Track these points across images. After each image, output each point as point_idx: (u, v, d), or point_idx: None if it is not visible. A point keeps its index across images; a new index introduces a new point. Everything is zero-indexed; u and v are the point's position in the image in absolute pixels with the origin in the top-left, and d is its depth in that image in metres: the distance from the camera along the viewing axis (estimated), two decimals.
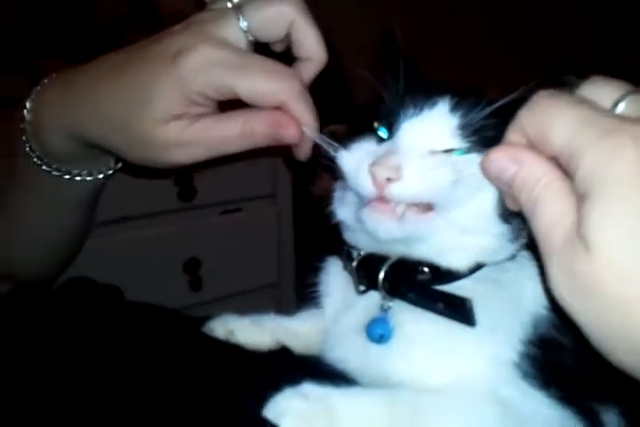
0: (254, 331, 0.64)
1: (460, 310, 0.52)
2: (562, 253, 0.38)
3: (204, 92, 0.58)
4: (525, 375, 0.52)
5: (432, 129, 0.53)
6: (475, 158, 0.51)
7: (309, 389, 0.50)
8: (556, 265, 0.39)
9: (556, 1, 2.53)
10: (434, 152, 0.52)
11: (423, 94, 0.55)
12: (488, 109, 0.50)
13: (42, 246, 0.80)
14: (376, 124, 0.56)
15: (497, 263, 0.55)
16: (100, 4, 1.32)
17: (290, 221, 1.58)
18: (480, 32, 2.37)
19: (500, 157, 0.43)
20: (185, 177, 1.37)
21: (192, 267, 1.42)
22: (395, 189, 0.49)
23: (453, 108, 0.54)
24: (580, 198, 0.38)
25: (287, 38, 0.64)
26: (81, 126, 0.65)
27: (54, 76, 0.69)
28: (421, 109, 0.54)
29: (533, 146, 0.42)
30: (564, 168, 0.40)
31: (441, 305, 0.53)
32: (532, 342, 0.52)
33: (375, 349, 0.55)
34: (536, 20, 2.52)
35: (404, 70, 0.58)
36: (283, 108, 0.60)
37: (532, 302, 0.54)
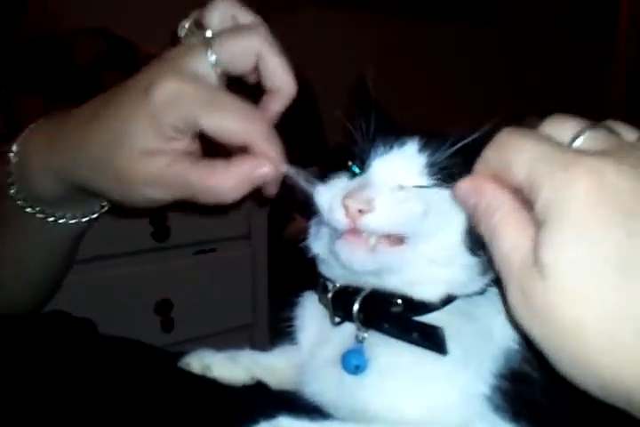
0: (230, 366, 0.64)
1: (432, 339, 0.53)
2: (519, 279, 0.39)
3: (176, 126, 0.59)
4: (497, 409, 0.52)
5: (401, 166, 0.55)
6: (442, 193, 0.53)
7: (285, 422, 0.50)
8: (514, 291, 0.40)
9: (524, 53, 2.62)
10: (403, 187, 0.53)
11: (393, 136, 0.57)
12: (453, 148, 0.52)
13: (21, 284, 0.79)
14: (349, 163, 0.58)
15: (468, 297, 0.56)
16: (78, 45, 1.34)
17: (264, 261, 1.58)
18: (453, 79, 2.44)
19: (465, 187, 0.45)
20: (159, 217, 1.37)
21: (164, 308, 1.41)
22: (367, 220, 0.50)
23: (421, 148, 0.56)
24: (538, 227, 0.39)
25: (257, 70, 0.65)
26: (66, 168, 0.65)
27: (41, 120, 0.70)
28: (391, 148, 0.56)
29: (499, 178, 0.43)
30: (527, 200, 0.41)
31: (415, 334, 0.53)
32: (503, 375, 0.53)
33: (350, 381, 0.55)
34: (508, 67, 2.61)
35: (376, 115, 0.60)
36: (249, 147, 0.60)
37: (503, 335, 0.54)
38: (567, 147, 0.41)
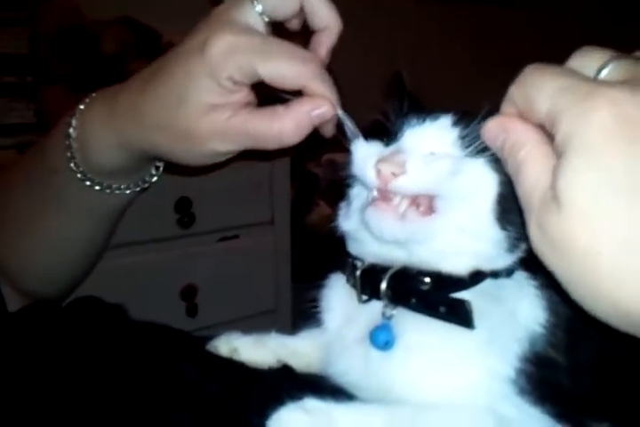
0: (257, 349, 0.65)
1: (459, 313, 0.53)
2: (538, 211, 0.41)
3: (232, 77, 0.61)
4: (521, 392, 0.52)
5: (434, 136, 0.56)
6: (473, 162, 0.54)
7: (311, 403, 0.51)
8: (534, 223, 0.41)
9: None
10: (435, 154, 0.55)
11: (427, 112, 0.59)
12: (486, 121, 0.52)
13: (66, 262, 0.82)
14: (384, 138, 0.59)
15: (495, 278, 0.57)
16: (103, 35, 1.35)
17: (287, 248, 1.59)
18: (484, 61, 2.42)
19: (492, 127, 0.47)
20: (184, 204, 1.38)
21: (189, 294, 1.43)
22: (399, 182, 0.52)
23: (455, 122, 0.57)
24: (558, 159, 0.40)
25: (300, 14, 0.67)
26: (129, 133, 0.68)
27: (94, 95, 0.72)
28: (424, 121, 0.57)
29: (524, 115, 0.44)
30: (550, 134, 0.42)
31: (442, 309, 0.54)
32: (529, 358, 0.53)
33: (376, 358, 0.56)
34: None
35: (409, 100, 0.62)
36: (304, 90, 0.63)
37: (529, 319, 0.55)
38: (591, 79, 0.41)
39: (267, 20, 0.64)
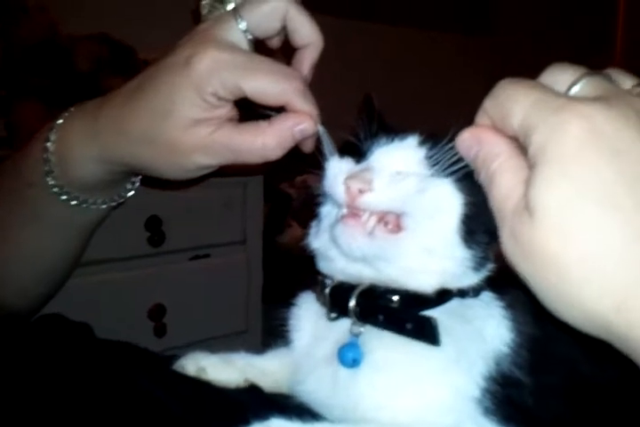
0: (225, 368, 0.65)
1: (425, 330, 0.54)
2: (511, 220, 0.42)
3: (217, 93, 0.62)
4: (486, 411, 0.53)
5: (401, 155, 0.57)
6: (439, 182, 0.55)
7: (276, 422, 0.51)
8: (507, 232, 0.43)
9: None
10: (402, 173, 0.55)
11: (395, 132, 0.60)
12: (452, 143, 0.54)
13: (38, 275, 0.81)
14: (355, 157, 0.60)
15: (462, 298, 0.57)
16: (78, 50, 1.34)
17: (259, 268, 1.59)
18: (446, 87, 2.46)
19: (466, 138, 0.48)
20: (154, 223, 1.37)
21: (157, 313, 1.41)
22: (365, 198, 0.53)
23: (421, 142, 0.58)
24: (531, 171, 0.41)
25: (282, 32, 0.69)
26: (111, 146, 0.68)
27: (72, 109, 0.73)
28: (393, 140, 0.59)
29: (497, 127, 0.46)
30: (523, 146, 0.43)
31: (409, 325, 0.54)
32: (494, 378, 0.54)
33: (344, 376, 0.56)
34: None
35: (378, 121, 0.64)
36: (287, 106, 0.64)
37: (495, 339, 0.56)
38: (563, 94, 0.43)
39: (250, 37, 0.66)
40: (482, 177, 0.46)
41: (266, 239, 1.61)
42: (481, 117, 0.47)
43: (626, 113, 0.39)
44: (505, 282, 0.58)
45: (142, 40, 1.39)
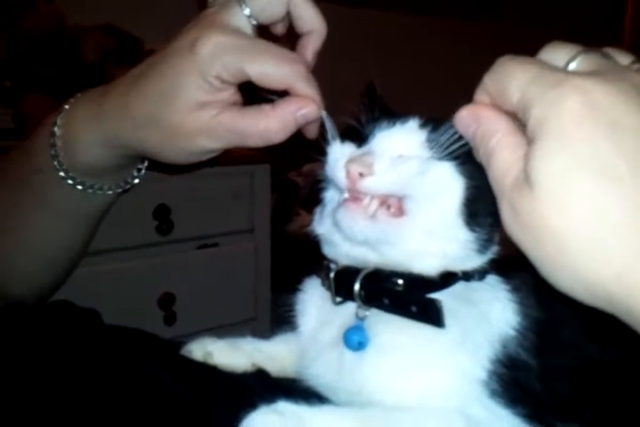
0: (231, 353, 0.65)
1: (430, 312, 0.54)
2: (510, 194, 0.43)
3: (220, 76, 0.63)
4: (493, 394, 0.53)
5: (402, 139, 0.58)
6: (440, 165, 0.55)
7: (284, 406, 0.51)
8: (506, 206, 0.44)
9: None
10: (403, 156, 0.56)
11: (396, 116, 0.61)
12: (453, 125, 0.54)
13: (45, 264, 0.82)
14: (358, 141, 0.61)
15: (467, 281, 0.57)
16: (84, 41, 1.35)
17: (267, 256, 1.59)
18: (453, 74, 2.45)
19: (464, 115, 0.49)
20: (163, 211, 1.38)
21: (166, 302, 1.42)
22: (366, 182, 0.53)
23: (422, 125, 0.59)
24: (530, 145, 0.42)
25: (285, 19, 0.70)
26: (116, 130, 0.69)
27: (79, 95, 0.74)
28: (394, 124, 0.59)
29: (496, 104, 0.47)
30: (522, 122, 0.44)
31: (414, 308, 0.55)
32: (500, 360, 0.54)
33: (350, 359, 0.56)
34: None
35: (380, 106, 0.64)
36: (290, 90, 0.65)
37: (501, 321, 0.56)
38: (561, 69, 0.44)
39: (254, 22, 0.66)
40: (480, 154, 0.47)
41: (274, 228, 1.61)
42: (480, 94, 0.48)
43: (622, 87, 0.40)
44: (513, 267, 0.59)
45: (148, 31, 1.39)
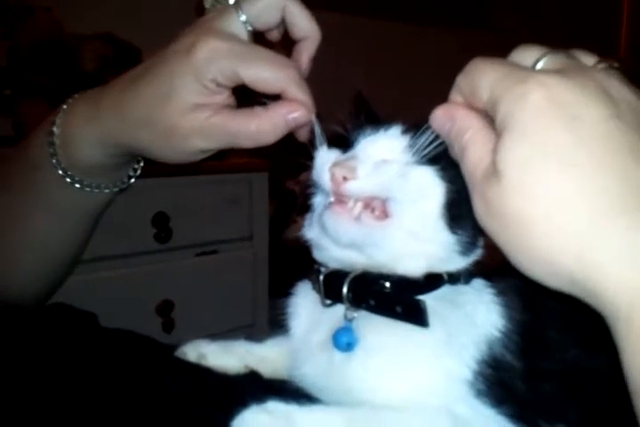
0: (224, 355, 0.66)
1: (414, 312, 0.55)
2: (481, 185, 0.45)
3: (215, 80, 0.64)
4: (479, 394, 0.53)
5: (385, 144, 0.59)
6: (422, 169, 0.56)
7: (274, 405, 0.52)
8: (477, 197, 0.46)
9: None
10: (386, 161, 0.57)
11: (380, 123, 0.62)
12: (434, 132, 0.55)
13: (45, 263, 0.83)
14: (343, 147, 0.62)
15: (454, 284, 0.58)
16: (83, 50, 1.36)
17: (265, 263, 1.60)
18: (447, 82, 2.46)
19: (439, 114, 0.51)
20: (161, 219, 1.39)
21: (165, 309, 1.43)
22: (349, 185, 0.55)
23: (405, 131, 0.60)
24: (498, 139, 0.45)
25: (280, 26, 0.71)
26: (113, 130, 0.70)
27: (77, 95, 0.75)
28: (378, 131, 0.61)
29: (469, 102, 0.49)
30: (492, 119, 0.46)
31: (399, 308, 0.56)
32: (486, 361, 0.55)
33: (339, 360, 0.57)
34: None
35: (367, 113, 0.66)
36: (283, 94, 0.66)
37: (486, 323, 0.56)
38: (527, 68, 0.46)
39: (250, 29, 0.68)
40: (456, 150, 0.49)
41: (272, 236, 1.62)
42: (454, 94, 0.50)
43: (583, 83, 0.42)
44: (502, 273, 0.60)
45: (147, 39, 1.40)
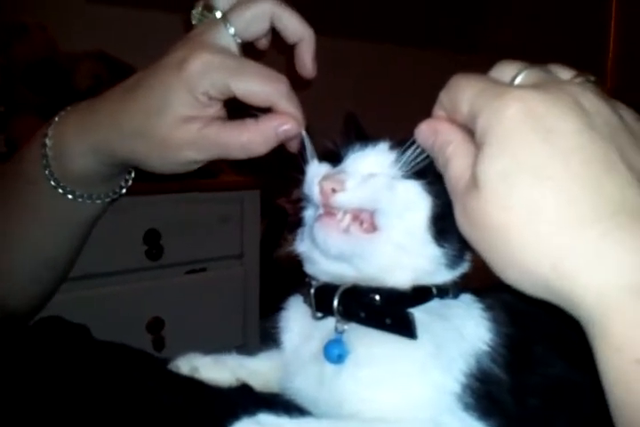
0: (217, 368, 0.67)
1: (403, 324, 0.56)
2: (462, 197, 0.47)
3: (207, 93, 0.66)
4: (467, 407, 0.54)
5: (373, 159, 0.61)
6: (409, 183, 0.58)
7: (265, 418, 0.53)
8: (459, 208, 0.47)
9: None
10: (373, 175, 0.58)
11: (369, 140, 0.64)
12: (420, 148, 0.56)
13: (39, 274, 0.82)
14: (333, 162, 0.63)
15: (442, 298, 0.59)
16: (77, 68, 1.37)
17: (256, 282, 1.60)
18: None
19: (423, 128, 0.53)
20: (153, 236, 1.39)
21: (155, 326, 1.42)
22: (338, 197, 0.56)
23: (392, 146, 0.61)
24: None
25: (269, 33, 0.73)
26: (105, 140, 0.71)
27: (69, 108, 0.76)
28: (366, 146, 0.62)
29: (451, 117, 0.50)
30: (473, 131, 0.48)
31: (388, 320, 0.57)
32: (474, 374, 0.55)
33: (329, 373, 0.58)
34: None
35: (356, 131, 0.68)
36: (273, 107, 0.67)
37: (474, 337, 0.57)
38: (505, 83, 0.48)
39: (239, 41, 0.69)
40: (439, 163, 0.51)
41: (263, 254, 1.62)
42: (437, 109, 0.52)
43: (559, 96, 0.44)
44: (492, 290, 0.61)
45: (140, 57, 1.41)
